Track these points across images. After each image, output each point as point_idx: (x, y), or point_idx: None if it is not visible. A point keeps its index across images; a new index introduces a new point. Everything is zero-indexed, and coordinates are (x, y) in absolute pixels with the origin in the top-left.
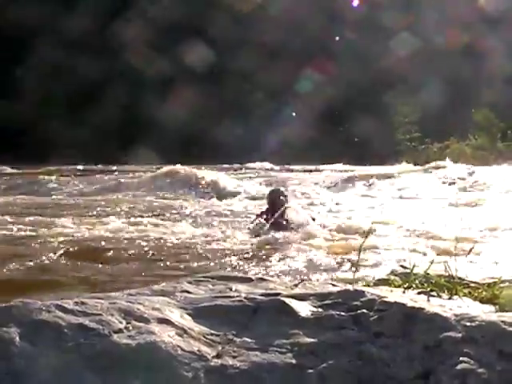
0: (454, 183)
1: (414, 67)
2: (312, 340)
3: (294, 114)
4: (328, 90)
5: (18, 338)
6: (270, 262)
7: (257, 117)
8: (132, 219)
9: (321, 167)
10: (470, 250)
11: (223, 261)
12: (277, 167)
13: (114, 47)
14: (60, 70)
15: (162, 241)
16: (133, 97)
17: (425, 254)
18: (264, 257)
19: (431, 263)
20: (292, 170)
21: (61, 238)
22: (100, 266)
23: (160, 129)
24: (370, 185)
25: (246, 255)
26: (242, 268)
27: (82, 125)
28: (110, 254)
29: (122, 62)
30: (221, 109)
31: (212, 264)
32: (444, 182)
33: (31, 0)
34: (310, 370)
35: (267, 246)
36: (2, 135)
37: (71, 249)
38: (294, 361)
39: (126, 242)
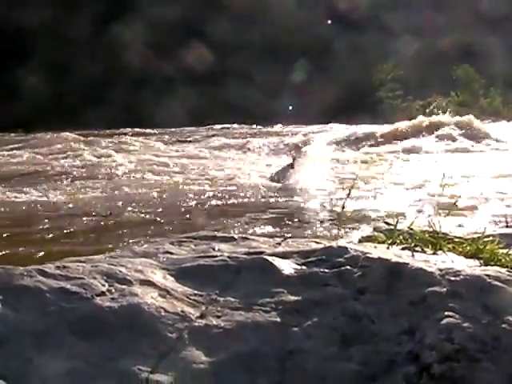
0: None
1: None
2: (296, 298)
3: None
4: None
5: None
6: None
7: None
8: None
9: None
10: (454, 204)
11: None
12: None
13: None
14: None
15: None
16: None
17: (409, 210)
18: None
19: (415, 219)
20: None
21: None
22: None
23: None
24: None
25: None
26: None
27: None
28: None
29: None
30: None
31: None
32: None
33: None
34: (295, 328)
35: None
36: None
37: None
38: (278, 319)
39: None
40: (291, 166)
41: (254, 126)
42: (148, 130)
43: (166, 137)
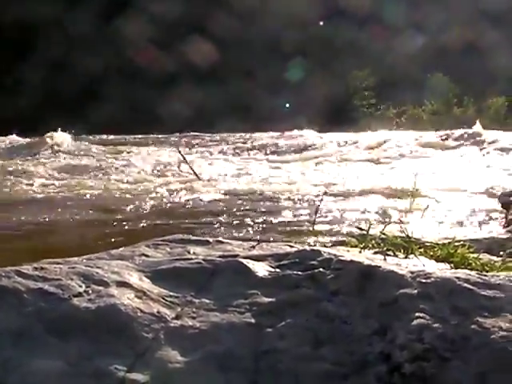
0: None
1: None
2: (270, 299)
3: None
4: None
5: None
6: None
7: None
8: None
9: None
10: (425, 210)
11: None
12: None
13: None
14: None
15: None
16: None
17: (382, 215)
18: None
19: (387, 224)
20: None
21: None
22: None
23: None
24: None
25: None
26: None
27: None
28: None
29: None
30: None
31: None
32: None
33: None
34: (269, 329)
35: None
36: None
37: None
38: (252, 320)
39: None
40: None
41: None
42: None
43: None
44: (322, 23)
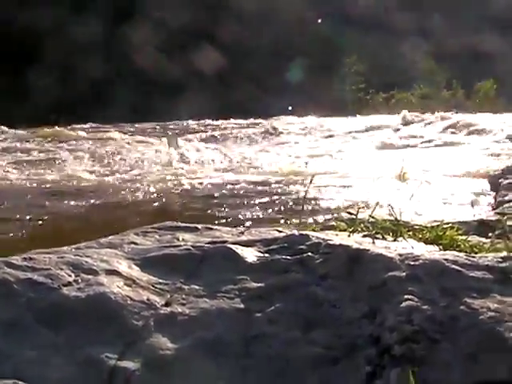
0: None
1: None
2: (259, 285)
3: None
4: None
5: None
6: None
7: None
8: None
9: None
10: (413, 193)
11: None
12: None
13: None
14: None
15: None
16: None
17: (370, 199)
18: None
19: (375, 207)
20: None
21: None
22: None
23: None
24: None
25: None
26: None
27: None
28: None
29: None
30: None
31: None
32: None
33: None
34: (258, 314)
35: None
36: None
37: None
38: (242, 305)
39: None
40: None
41: None
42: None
43: None
44: (320, 21)
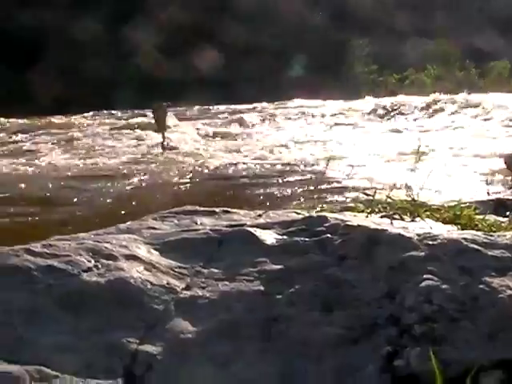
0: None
1: None
2: (278, 267)
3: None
4: None
5: None
6: None
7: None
8: None
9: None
10: (430, 173)
11: None
12: None
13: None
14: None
15: None
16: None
17: (387, 180)
18: None
19: (393, 188)
20: None
21: None
22: None
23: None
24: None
25: None
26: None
27: None
28: None
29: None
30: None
31: None
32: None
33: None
34: (278, 296)
35: None
36: None
37: None
38: (261, 288)
39: None
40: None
41: None
42: None
43: None
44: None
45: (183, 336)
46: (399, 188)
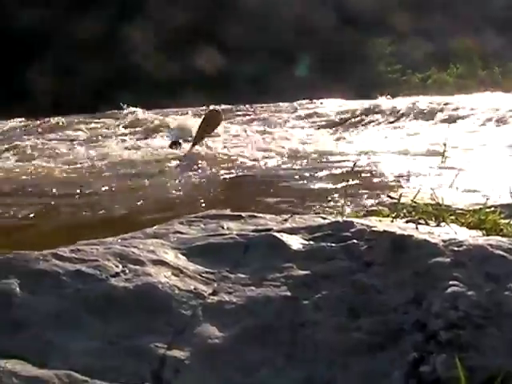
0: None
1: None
2: (305, 272)
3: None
4: None
5: (18, 289)
6: None
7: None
8: None
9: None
10: (456, 176)
11: None
12: None
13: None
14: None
15: None
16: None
17: (411, 183)
18: None
19: (418, 192)
20: None
21: None
22: None
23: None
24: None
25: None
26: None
27: None
28: None
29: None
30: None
31: None
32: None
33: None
34: (305, 302)
35: None
36: None
37: None
38: (288, 293)
39: None
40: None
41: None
42: None
43: None
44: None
45: (211, 341)
46: (424, 190)
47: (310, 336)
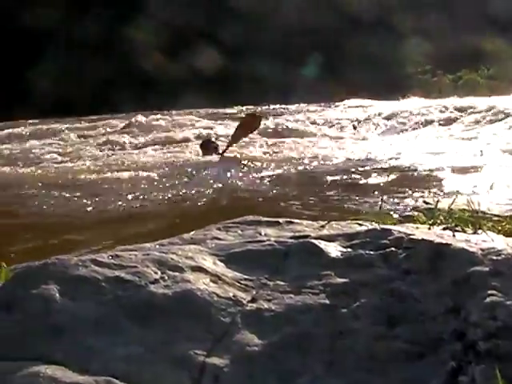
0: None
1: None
2: (343, 280)
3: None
4: None
5: (57, 295)
6: None
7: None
8: None
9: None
10: (492, 184)
11: None
12: None
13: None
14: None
15: None
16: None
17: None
18: None
19: (455, 198)
20: None
21: None
22: None
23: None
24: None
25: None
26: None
27: None
28: None
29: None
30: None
31: None
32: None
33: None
34: (344, 310)
35: None
36: None
37: None
38: (327, 301)
39: None
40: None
41: None
42: None
43: None
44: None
45: (249, 349)
46: (460, 197)
47: (349, 344)
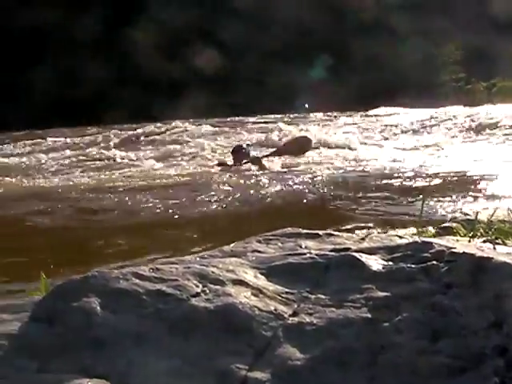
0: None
1: None
2: (385, 294)
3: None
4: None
5: (98, 308)
6: None
7: None
8: None
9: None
10: None
11: None
12: None
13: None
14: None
15: None
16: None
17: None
18: None
19: (495, 210)
20: None
21: None
22: None
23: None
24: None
25: None
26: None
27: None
28: None
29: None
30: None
31: None
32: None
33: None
34: (385, 324)
35: None
36: None
37: None
38: (369, 315)
39: None
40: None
41: None
42: None
43: None
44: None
45: (291, 362)
46: (501, 207)
47: (391, 358)
